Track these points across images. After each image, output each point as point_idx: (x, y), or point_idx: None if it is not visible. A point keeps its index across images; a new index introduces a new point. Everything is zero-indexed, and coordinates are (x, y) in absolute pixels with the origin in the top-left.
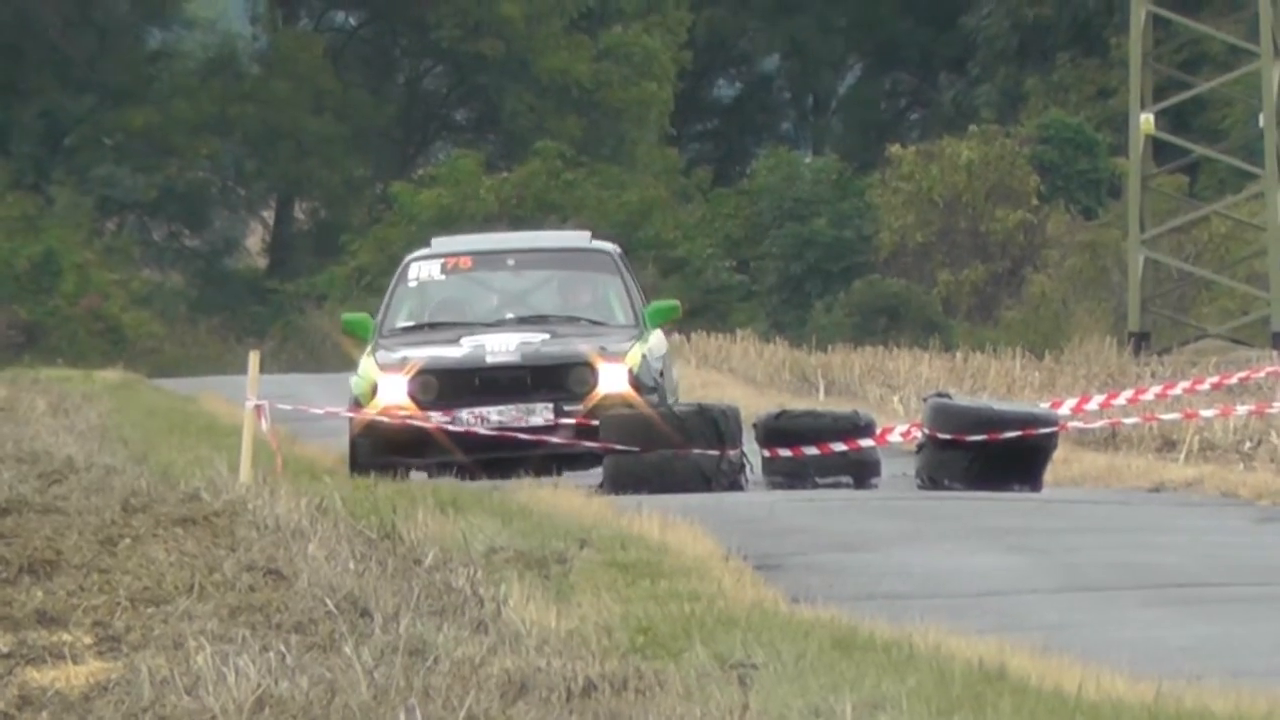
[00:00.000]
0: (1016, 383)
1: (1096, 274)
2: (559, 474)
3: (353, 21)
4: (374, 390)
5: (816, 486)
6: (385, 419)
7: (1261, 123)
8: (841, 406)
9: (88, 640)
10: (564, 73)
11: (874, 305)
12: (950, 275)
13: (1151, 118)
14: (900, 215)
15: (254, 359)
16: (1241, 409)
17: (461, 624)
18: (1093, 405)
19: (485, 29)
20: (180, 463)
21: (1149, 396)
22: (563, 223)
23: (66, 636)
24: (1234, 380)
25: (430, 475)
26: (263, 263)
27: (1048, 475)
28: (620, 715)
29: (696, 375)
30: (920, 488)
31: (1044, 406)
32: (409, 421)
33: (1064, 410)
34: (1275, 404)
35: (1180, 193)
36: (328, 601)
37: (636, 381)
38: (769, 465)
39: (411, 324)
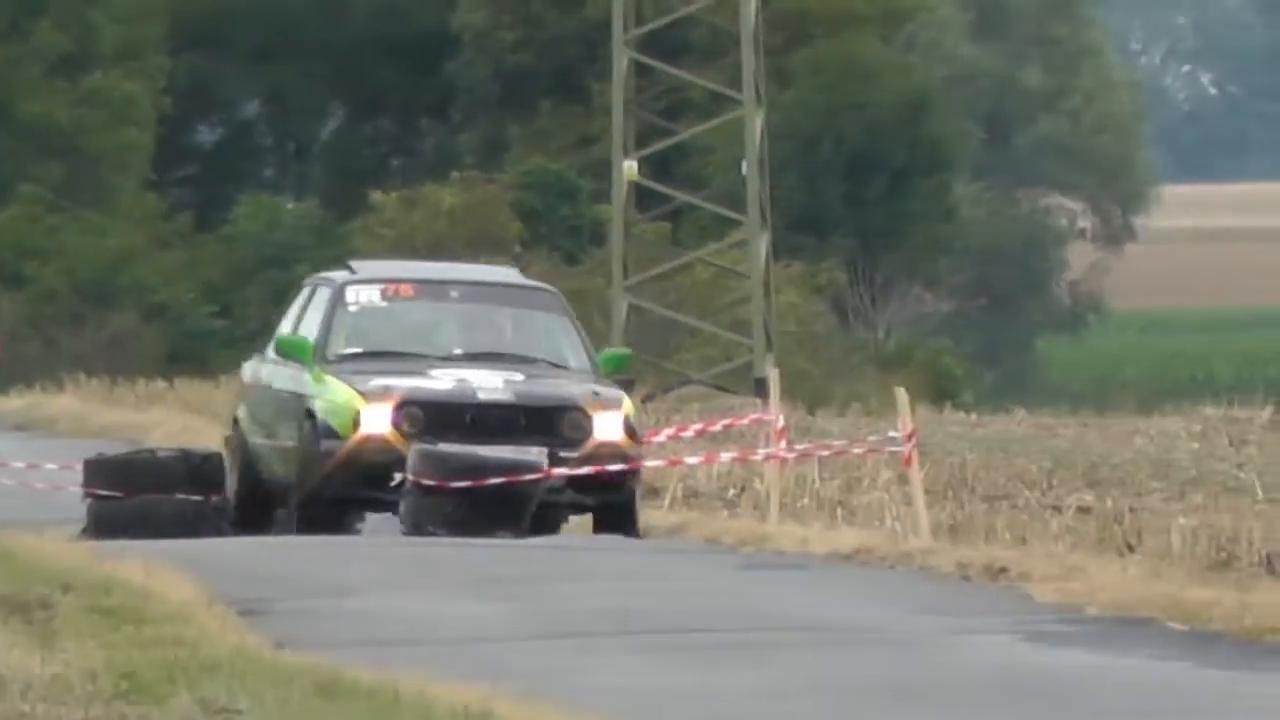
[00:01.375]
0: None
1: (580, 320)
2: (539, 524)
3: None
4: (356, 420)
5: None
6: (368, 449)
7: (745, 170)
8: None
9: None
10: (44, 117)
11: None
12: None
13: (635, 164)
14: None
15: None
16: (726, 456)
17: None
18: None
19: None
20: None
21: None
22: (42, 267)
23: None
24: (718, 427)
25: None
26: None
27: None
28: None
29: (179, 419)
30: (404, 533)
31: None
32: (396, 453)
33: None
34: (759, 451)
35: (663, 239)
36: None
37: (631, 430)
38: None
39: (359, 350)
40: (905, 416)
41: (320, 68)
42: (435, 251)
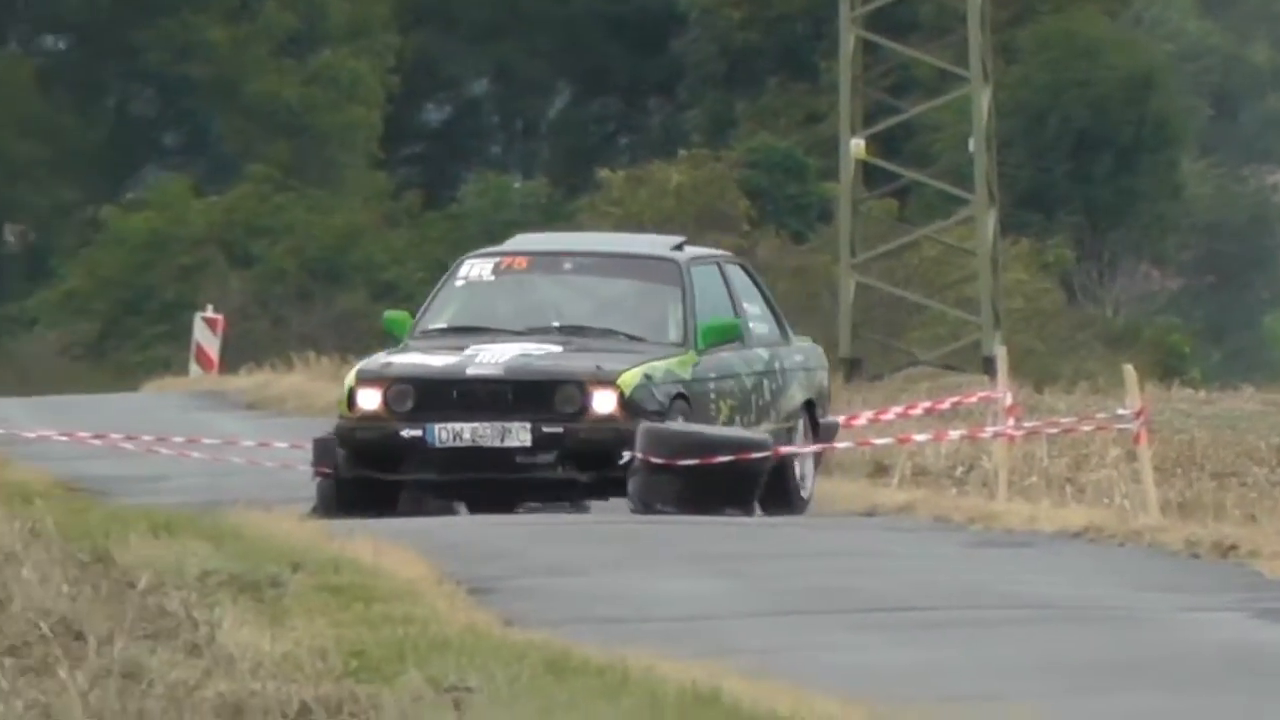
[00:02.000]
0: None
1: (807, 299)
2: (542, 501)
3: (62, 45)
4: (350, 398)
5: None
6: (360, 427)
7: (972, 147)
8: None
9: None
10: (272, 96)
11: None
12: None
13: (862, 143)
14: None
15: None
16: (954, 434)
17: (175, 647)
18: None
19: (193, 53)
20: None
21: (862, 422)
22: (270, 246)
23: None
24: (946, 405)
25: (410, 496)
26: None
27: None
28: None
29: None
30: (633, 511)
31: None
32: (383, 432)
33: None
34: (987, 429)
35: (890, 217)
36: (41, 625)
37: (630, 404)
38: None
39: (444, 326)
40: (1134, 393)
41: (547, 46)
42: (662, 230)
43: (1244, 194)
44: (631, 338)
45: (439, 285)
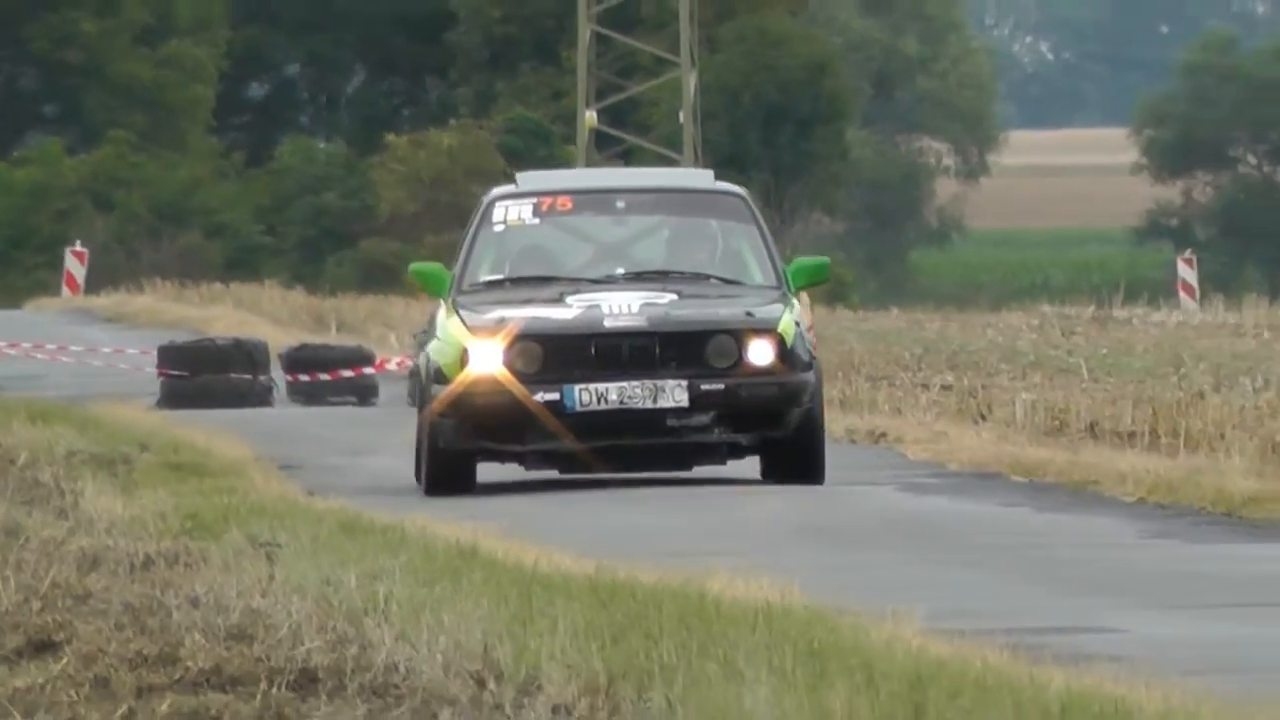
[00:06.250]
0: None
1: None
2: (689, 468)
3: None
4: (463, 358)
5: (329, 404)
6: (478, 393)
7: (682, 119)
8: (349, 342)
9: None
10: (131, 77)
11: (375, 261)
12: (435, 237)
13: (594, 114)
14: (395, 191)
15: None
16: None
17: (47, 511)
18: None
19: (69, 41)
20: None
21: None
22: (128, 195)
23: None
24: None
25: (527, 469)
26: None
27: None
28: (173, 583)
29: (234, 315)
30: (411, 405)
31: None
32: (509, 396)
33: None
34: None
35: None
36: None
37: (789, 354)
38: (291, 388)
39: (499, 277)
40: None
41: (348, 36)
42: (437, 183)
43: (897, 156)
44: (726, 281)
45: (471, 231)
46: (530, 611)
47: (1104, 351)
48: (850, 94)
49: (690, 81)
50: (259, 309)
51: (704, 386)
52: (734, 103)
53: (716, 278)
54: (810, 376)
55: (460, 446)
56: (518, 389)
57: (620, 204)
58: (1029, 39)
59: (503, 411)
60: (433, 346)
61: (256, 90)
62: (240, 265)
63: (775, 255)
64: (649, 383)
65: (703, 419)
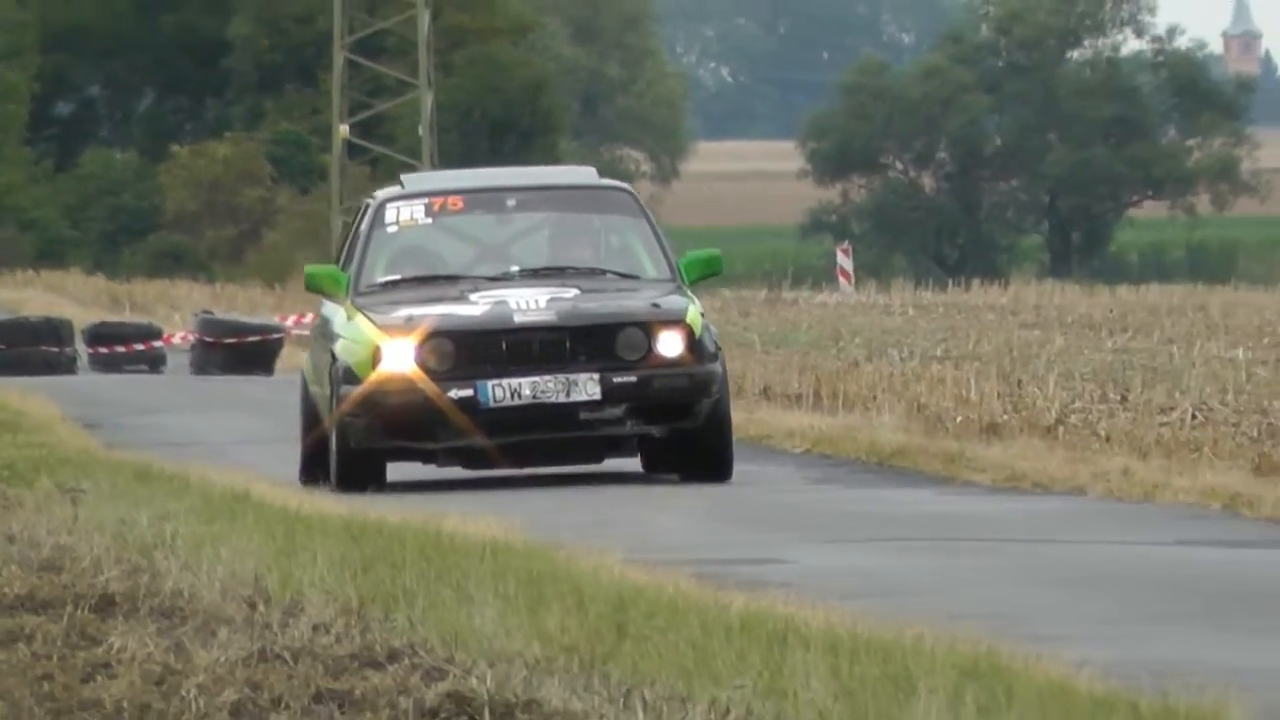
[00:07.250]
0: (258, 305)
1: (312, 232)
2: (601, 461)
3: None
4: (376, 356)
5: (124, 372)
6: (390, 391)
7: (421, 132)
8: (141, 320)
9: None
10: None
11: (164, 252)
12: (214, 232)
13: (347, 128)
14: (179, 193)
15: None
16: None
17: None
18: (307, 319)
19: None
20: None
21: None
22: None
23: None
24: None
25: (439, 467)
26: None
27: (278, 365)
28: None
29: (44, 298)
30: (193, 374)
31: (275, 319)
32: (422, 394)
33: (289, 322)
34: None
35: (365, 178)
36: None
37: (697, 345)
38: (92, 358)
39: (397, 277)
40: None
41: (142, 62)
42: (215, 186)
43: (601, 162)
44: (622, 275)
45: (362, 232)
46: (294, 546)
47: (774, 329)
48: (562, 111)
49: (428, 100)
50: (65, 292)
51: (616, 379)
52: (465, 118)
53: (612, 272)
54: (717, 367)
55: (372, 445)
56: (430, 387)
57: (511, 202)
58: (713, 64)
59: (415, 409)
60: (340, 346)
61: (63, 108)
62: (49, 255)
63: (668, 248)
64: (561, 377)
65: (615, 411)
